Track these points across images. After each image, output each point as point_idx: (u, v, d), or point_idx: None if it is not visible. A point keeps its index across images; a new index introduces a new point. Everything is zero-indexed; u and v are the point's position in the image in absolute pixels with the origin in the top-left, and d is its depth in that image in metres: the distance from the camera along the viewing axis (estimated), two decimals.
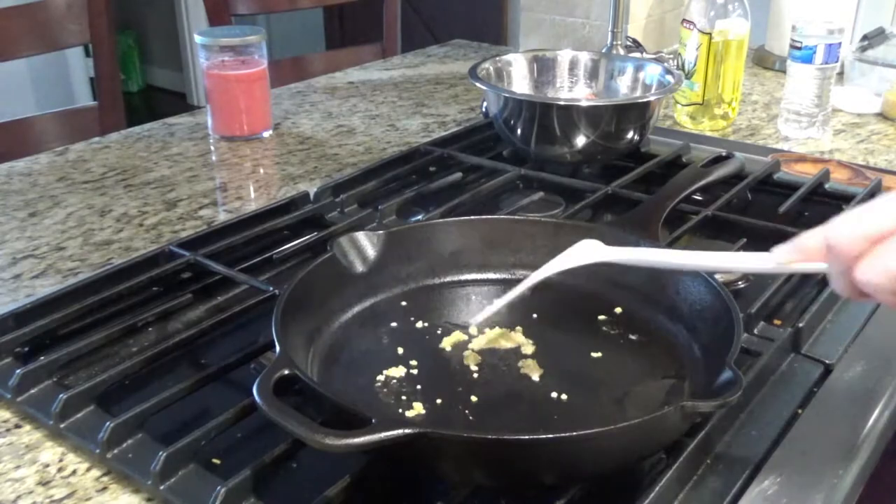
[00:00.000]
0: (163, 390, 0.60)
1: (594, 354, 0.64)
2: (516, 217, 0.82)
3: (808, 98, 1.15)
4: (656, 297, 0.68)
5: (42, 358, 0.65)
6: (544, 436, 0.48)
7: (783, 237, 0.83)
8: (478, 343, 0.65)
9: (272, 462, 0.54)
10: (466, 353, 0.64)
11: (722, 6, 1.14)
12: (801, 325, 0.68)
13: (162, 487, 0.54)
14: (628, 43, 1.35)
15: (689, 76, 1.17)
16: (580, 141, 0.98)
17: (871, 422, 0.61)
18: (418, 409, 0.58)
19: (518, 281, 0.73)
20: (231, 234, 0.84)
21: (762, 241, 0.85)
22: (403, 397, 0.59)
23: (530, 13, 1.56)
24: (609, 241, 0.73)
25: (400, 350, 0.64)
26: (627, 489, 0.54)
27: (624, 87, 1.12)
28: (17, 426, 0.62)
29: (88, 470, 0.57)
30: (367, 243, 0.70)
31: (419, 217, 0.91)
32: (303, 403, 0.52)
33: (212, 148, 1.17)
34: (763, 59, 1.53)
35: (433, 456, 0.50)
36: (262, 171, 1.10)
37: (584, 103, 0.99)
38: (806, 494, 0.54)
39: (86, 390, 0.61)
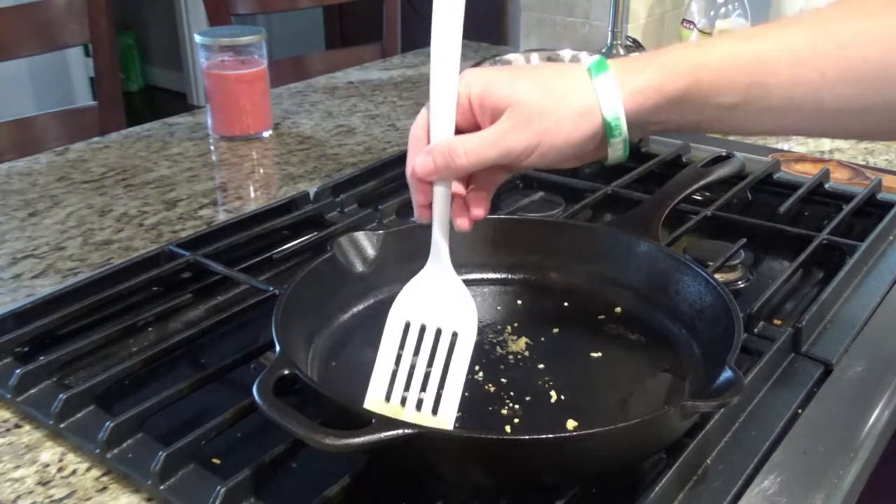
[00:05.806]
0: (162, 390, 0.60)
1: (594, 354, 0.64)
2: (516, 217, 0.82)
3: None
4: (656, 297, 0.68)
5: (42, 358, 0.65)
6: (544, 436, 0.48)
7: (783, 237, 0.85)
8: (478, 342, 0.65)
9: (272, 462, 0.54)
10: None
11: (722, 6, 1.14)
12: (801, 325, 0.67)
13: (162, 487, 0.54)
14: (628, 43, 1.34)
15: None
16: None
17: (871, 422, 0.61)
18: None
19: (517, 280, 0.74)
20: (231, 234, 0.84)
21: (762, 241, 0.86)
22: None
23: (530, 13, 1.56)
24: (610, 241, 0.73)
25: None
26: (627, 489, 0.54)
27: None
28: (17, 426, 0.62)
29: (88, 470, 0.57)
30: (367, 243, 0.70)
31: None
32: (303, 403, 0.52)
33: (212, 148, 1.17)
34: None
35: (433, 456, 0.50)
36: (262, 171, 1.10)
37: None
38: (806, 494, 0.54)
39: (86, 390, 0.61)
